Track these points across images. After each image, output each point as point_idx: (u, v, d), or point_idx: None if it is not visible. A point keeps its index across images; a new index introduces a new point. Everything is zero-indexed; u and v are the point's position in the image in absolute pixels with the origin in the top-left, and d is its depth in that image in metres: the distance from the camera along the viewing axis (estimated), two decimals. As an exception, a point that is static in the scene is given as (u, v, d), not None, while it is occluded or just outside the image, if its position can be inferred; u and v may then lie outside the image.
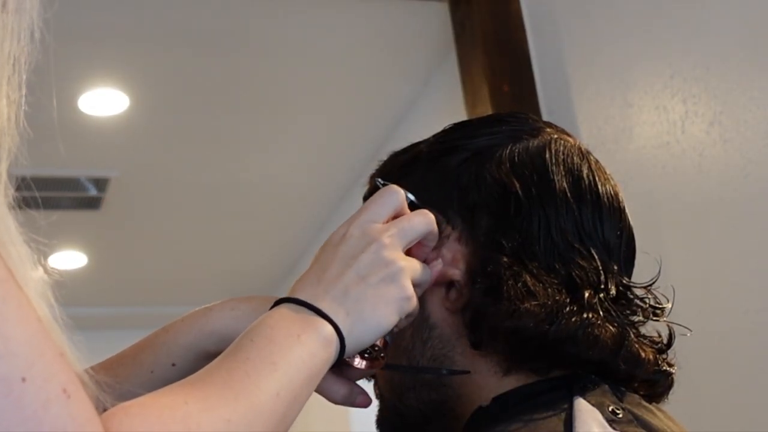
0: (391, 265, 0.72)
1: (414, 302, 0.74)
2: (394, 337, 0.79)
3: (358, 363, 0.75)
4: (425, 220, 0.77)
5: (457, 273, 0.80)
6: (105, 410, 0.54)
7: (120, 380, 0.73)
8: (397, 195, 0.77)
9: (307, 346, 0.66)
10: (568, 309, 0.75)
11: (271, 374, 0.63)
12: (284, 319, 0.68)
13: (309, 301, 0.70)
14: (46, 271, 0.56)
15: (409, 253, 0.77)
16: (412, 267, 0.75)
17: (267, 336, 0.66)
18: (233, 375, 0.62)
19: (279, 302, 0.71)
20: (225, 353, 0.66)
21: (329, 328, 0.69)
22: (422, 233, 0.77)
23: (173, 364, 0.80)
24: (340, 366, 0.73)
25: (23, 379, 0.45)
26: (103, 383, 0.56)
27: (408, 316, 0.75)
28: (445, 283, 0.81)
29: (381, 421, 0.87)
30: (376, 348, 0.76)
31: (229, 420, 0.58)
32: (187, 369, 0.79)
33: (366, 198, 0.92)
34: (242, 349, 0.65)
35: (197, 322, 0.83)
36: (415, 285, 0.75)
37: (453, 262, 0.80)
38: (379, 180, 0.84)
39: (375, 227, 0.74)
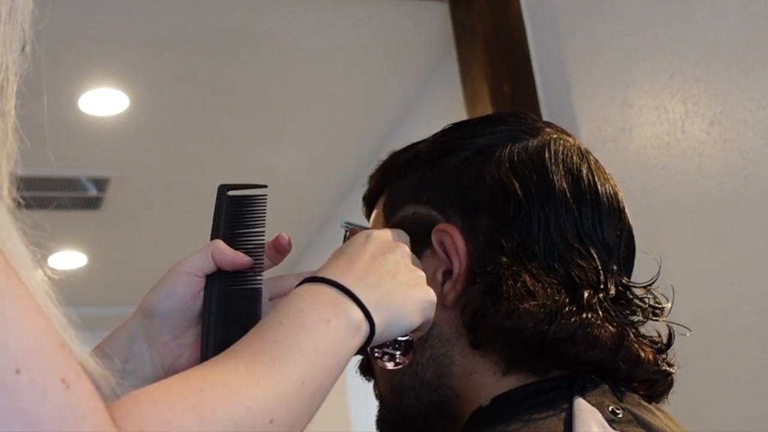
0: (416, 270, 0.75)
1: (434, 310, 0.75)
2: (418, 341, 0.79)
3: (386, 360, 0.76)
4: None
5: (456, 263, 0.80)
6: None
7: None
8: (405, 235, 0.81)
9: (336, 333, 0.65)
10: (567, 309, 0.75)
11: (296, 360, 0.61)
12: (315, 300, 0.67)
13: (342, 283, 0.68)
14: (46, 271, 0.56)
15: None
16: (426, 276, 0.77)
17: (296, 319, 0.64)
18: (257, 359, 0.60)
19: (308, 280, 0.70)
20: (251, 333, 0.64)
21: (360, 314, 0.67)
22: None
23: None
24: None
25: (17, 371, 0.45)
26: (116, 372, 0.55)
27: (426, 323, 0.75)
28: (441, 279, 0.81)
29: (381, 421, 0.87)
30: (399, 345, 0.77)
31: (248, 407, 0.56)
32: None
33: (365, 198, 0.93)
34: (269, 331, 0.63)
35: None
36: None
37: (456, 252, 0.80)
38: (346, 224, 0.87)
39: (393, 240, 0.77)
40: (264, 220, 0.82)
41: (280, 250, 0.81)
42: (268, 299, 0.81)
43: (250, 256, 0.79)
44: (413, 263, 0.76)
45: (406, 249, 0.76)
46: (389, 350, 0.76)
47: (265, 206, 0.82)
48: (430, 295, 0.74)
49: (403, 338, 0.75)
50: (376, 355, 0.76)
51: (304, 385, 0.60)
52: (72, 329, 0.52)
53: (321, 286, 0.68)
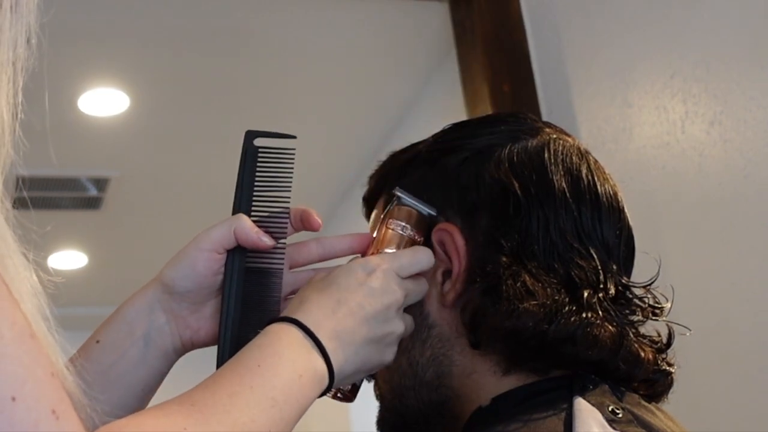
0: (396, 328, 0.77)
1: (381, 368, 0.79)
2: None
3: (332, 394, 0.78)
4: (425, 289, 0.81)
5: (456, 263, 0.80)
6: (96, 428, 0.54)
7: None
8: (429, 259, 0.80)
9: (303, 387, 0.68)
10: (567, 309, 0.75)
11: (268, 411, 0.64)
12: (290, 348, 0.70)
13: (317, 335, 0.71)
14: (46, 272, 0.56)
15: None
16: (405, 331, 0.79)
17: (273, 366, 0.67)
18: (234, 402, 0.63)
19: (288, 319, 0.72)
20: (231, 368, 0.67)
21: (325, 368, 0.71)
22: (422, 297, 0.81)
23: (97, 341, 0.79)
24: None
25: (13, 399, 0.46)
26: (96, 399, 0.56)
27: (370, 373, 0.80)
28: (441, 279, 0.81)
29: (381, 421, 0.87)
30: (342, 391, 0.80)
31: None
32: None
33: (365, 199, 0.92)
34: (248, 374, 0.66)
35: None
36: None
37: (455, 252, 0.80)
38: (399, 192, 0.84)
39: (397, 280, 0.77)
40: (291, 179, 0.81)
41: (308, 225, 0.82)
42: (288, 268, 0.82)
43: (274, 222, 0.80)
44: (397, 314, 0.77)
45: (400, 297, 0.76)
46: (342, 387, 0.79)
47: (293, 162, 0.82)
48: (388, 358, 0.77)
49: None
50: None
51: None
52: (59, 346, 0.53)
53: (298, 333, 0.71)
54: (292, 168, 0.81)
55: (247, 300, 0.78)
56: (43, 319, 0.52)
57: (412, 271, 0.79)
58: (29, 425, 0.46)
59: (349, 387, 0.80)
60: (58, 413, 0.47)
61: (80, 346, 0.78)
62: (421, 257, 0.80)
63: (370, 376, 0.88)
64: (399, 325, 0.77)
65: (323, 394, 0.73)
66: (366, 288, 0.75)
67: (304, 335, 0.71)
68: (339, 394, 0.80)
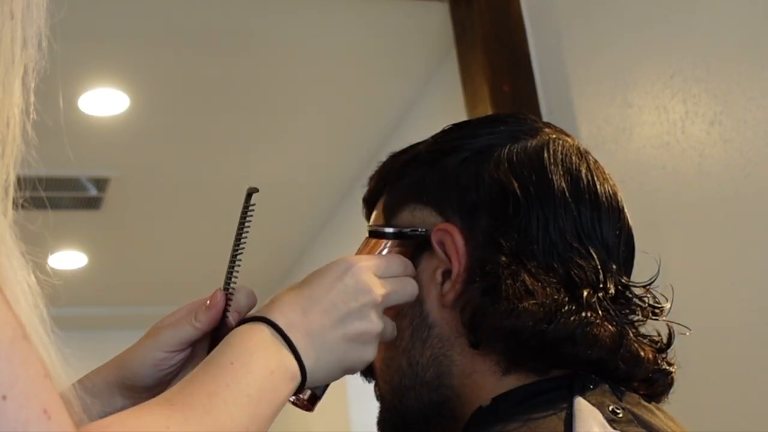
0: (372, 327, 0.76)
1: (363, 367, 0.78)
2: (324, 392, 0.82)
3: (293, 399, 0.78)
4: (414, 290, 0.81)
5: (456, 263, 0.80)
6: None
7: None
8: (406, 265, 0.81)
9: (276, 383, 0.69)
10: (566, 308, 0.75)
11: (245, 407, 0.65)
12: (262, 346, 0.70)
13: (287, 333, 0.72)
14: (45, 273, 0.56)
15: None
16: (386, 329, 0.78)
17: (246, 363, 0.68)
18: (213, 401, 0.64)
19: (260, 319, 0.73)
20: (205, 369, 0.68)
21: (296, 366, 0.72)
22: (407, 301, 0.81)
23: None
24: None
25: (4, 398, 0.46)
26: (88, 402, 0.56)
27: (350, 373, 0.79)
28: (441, 279, 0.81)
29: (381, 421, 0.87)
30: (304, 396, 0.79)
31: None
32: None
33: (365, 199, 0.92)
34: (222, 372, 0.67)
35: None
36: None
37: (455, 252, 0.80)
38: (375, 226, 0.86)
39: (373, 280, 0.77)
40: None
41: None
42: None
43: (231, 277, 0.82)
44: (375, 315, 0.76)
45: (376, 296, 0.76)
46: (301, 394, 0.78)
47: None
48: (369, 354, 0.77)
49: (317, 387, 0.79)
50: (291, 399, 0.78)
51: (248, 431, 0.65)
52: (54, 347, 0.53)
53: (268, 332, 0.72)
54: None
55: None
56: (39, 320, 0.52)
57: (391, 271, 0.79)
58: (20, 424, 0.46)
59: (308, 395, 0.79)
60: (50, 413, 0.47)
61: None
62: (401, 259, 0.81)
63: (370, 377, 0.88)
64: (376, 324, 0.76)
65: (296, 394, 0.73)
66: (340, 285, 0.76)
67: (274, 333, 0.72)
68: (297, 402, 0.79)
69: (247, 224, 0.81)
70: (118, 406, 0.79)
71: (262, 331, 0.72)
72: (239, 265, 0.81)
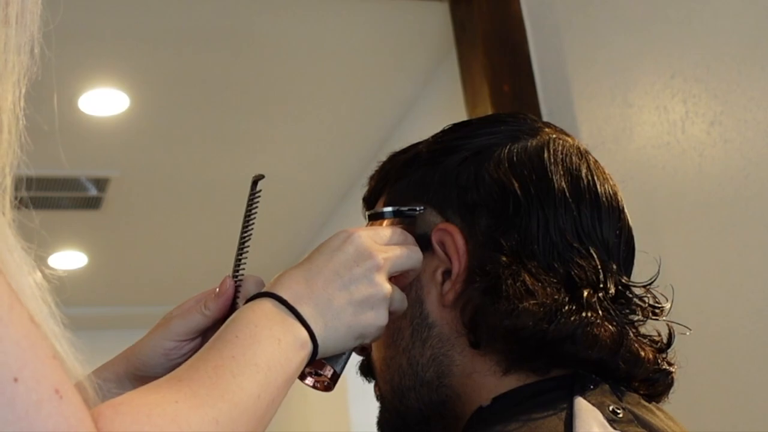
0: (378, 289, 0.76)
1: (381, 333, 0.77)
2: (344, 367, 0.81)
3: (309, 381, 0.78)
4: (417, 257, 0.80)
5: (456, 263, 0.80)
6: None
7: None
8: (405, 235, 0.81)
9: (285, 351, 0.68)
10: (567, 308, 0.75)
11: (254, 376, 0.65)
12: (266, 317, 0.70)
13: (292, 303, 0.71)
14: (45, 273, 0.56)
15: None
16: (394, 296, 0.78)
17: (251, 335, 0.68)
18: (219, 374, 0.63)
19: (262, 294, 0.73)
20: (210, 345, 0.67)
21: (306, 334, 0.71)
22: (411, 268, 0.80)
23: None
24: None
25: (15, 380, 0.46)
26: (98, 384, 0.56)
27: (365, 341, 0.78)
28: (441, 279, 0.81)
29: (382, 421, 0.87)
30: (325, 373, 0.79)
31: (217, 420, 0.59)
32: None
33: (365, 199, 0.93)
34: (227, 346, 0.66)
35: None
36: (390, 313, 0.78)
37: (455, 251, 0.80)
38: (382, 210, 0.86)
39: (374, 245, 0.77)
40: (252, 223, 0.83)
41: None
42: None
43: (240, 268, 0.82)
44: (379, 278, 0.76)
45: (379, 260, 0.76)
46: (321, 372, 0.78)
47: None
48: (380, 319, 0.76)
49: (338, 367, 0.78)
50: (306, 370, 0.77)
51: (259, 400, 0.64)
52: (65, 338, 0.53)
53: (272, 304, 0.71)
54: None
55: None
56: (49, 313, 0.52)
57: (392, 240, 0.80)
58: (31, 405, 0.46)
59: (330, 373, 0.78)
60: (62, 393, 0.47)
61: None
62: (401, 230, 0.81)
63: (370, 377, 0.88)
64: (382, 287, 0.76)
65: (310, 362, 0.73)
66: (341, 254, 0.76)
67: (279, 305, 0.71)
68: (317, 384, 0.79)
69: (253, 211, 0.81)
70: None
71: (265, 304, 0.72)
72: (247, 253, 0.81)
